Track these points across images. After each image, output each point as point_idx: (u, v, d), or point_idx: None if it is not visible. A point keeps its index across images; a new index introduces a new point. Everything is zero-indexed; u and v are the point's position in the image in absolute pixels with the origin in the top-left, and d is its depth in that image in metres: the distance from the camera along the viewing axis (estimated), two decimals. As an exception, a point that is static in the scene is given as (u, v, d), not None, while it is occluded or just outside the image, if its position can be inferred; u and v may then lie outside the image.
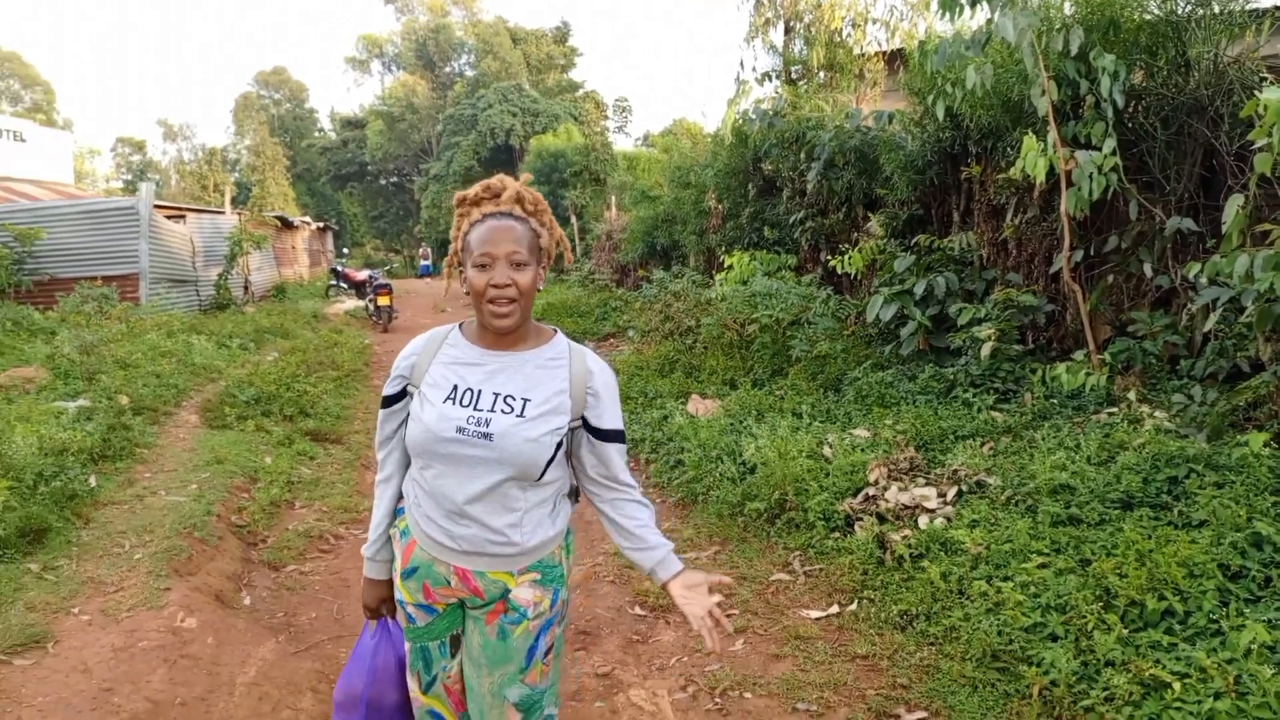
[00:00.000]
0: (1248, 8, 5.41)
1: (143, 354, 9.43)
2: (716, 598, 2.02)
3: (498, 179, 1.99)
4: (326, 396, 8.85)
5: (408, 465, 2.12)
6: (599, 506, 2.13)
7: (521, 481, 1.95)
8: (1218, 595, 3.17)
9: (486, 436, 1.90)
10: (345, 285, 21.78)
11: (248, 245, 17.16)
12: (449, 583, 2.02)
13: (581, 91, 53.26)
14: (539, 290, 1.99)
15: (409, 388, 2.05)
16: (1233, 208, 4.35)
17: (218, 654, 3.66)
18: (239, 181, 48.63)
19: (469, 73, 55.22)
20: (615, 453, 2.07)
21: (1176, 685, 2.79)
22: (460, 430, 1.90)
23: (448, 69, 57.09)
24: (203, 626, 3.84)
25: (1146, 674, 2.88)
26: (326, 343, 12.60)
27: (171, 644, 3.62)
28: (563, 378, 1.99)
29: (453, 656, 2.14)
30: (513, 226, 1.91)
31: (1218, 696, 2.70)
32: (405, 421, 2.06)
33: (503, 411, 1.92)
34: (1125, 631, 3.13)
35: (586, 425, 2.03)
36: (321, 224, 34.25)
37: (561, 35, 55.99)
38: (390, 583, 2.17)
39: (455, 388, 1.96)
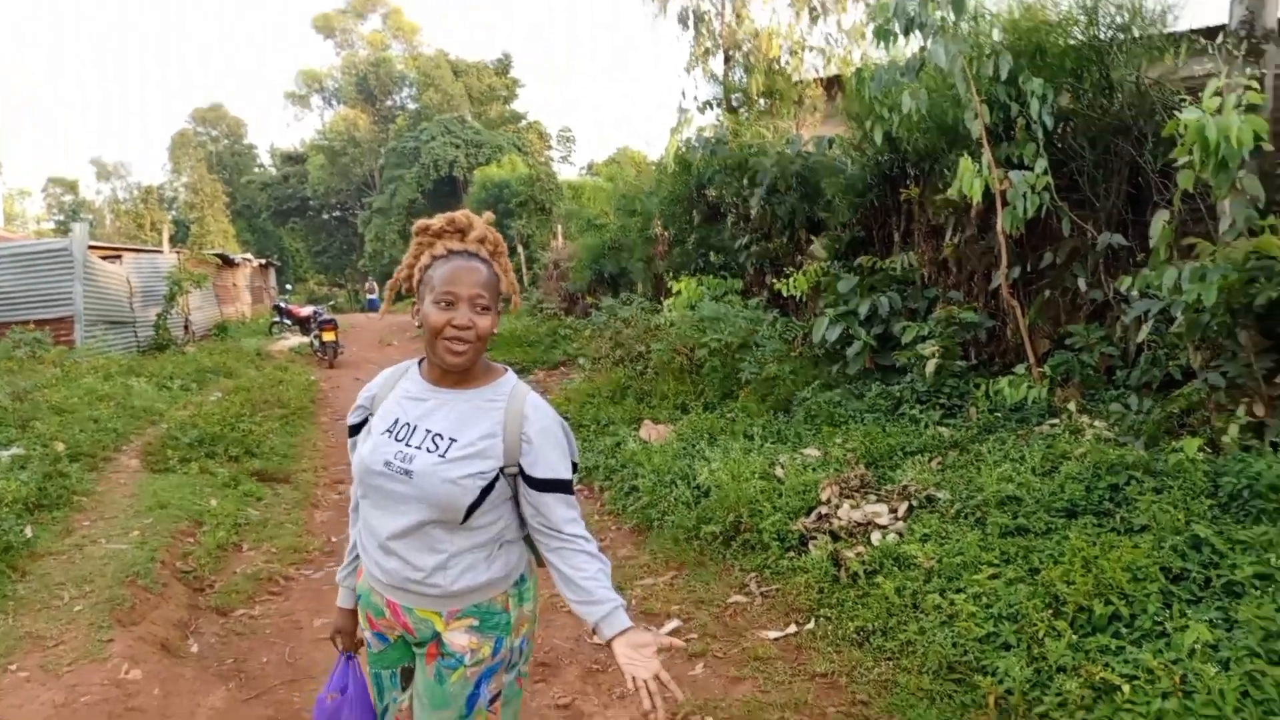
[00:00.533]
0: (1165, 32, 5.65)
1: (79, 398, 9.15)
2: (660, 660, 1.90)
3: (463, 215, 1.97)
4: (273, 435, 8.68)
5: None
6: (545, 555, 2.03)
7: (446, 524, 1.90)
8: (1161, 598, 3.25)
9: (407, 473, 1.89)
10: (289, 322, 21.45)
11: (187, 284, 16.83)
12: (384, 614, 2.03)
13: (524, 122, 53.40)
14: (494, 334, 1.96)
15: (368, 417, 2.07)
16: (1159, 223, 4.52)
17: (165, 705, 3.55)
18: (177, 220, 47.71)
19: (411, 105, 55.10)
20: (554, 502, 1.95)
21: (1126, 687, 2.86)
22: (387, 464, 1.91)
23: (389, 102, 56.92)
24: (148, 677, 3.72)
25: (1097, 678, 2.94)
26: (271, 380, 12.38)
27: (116, 697, 3.50)
28: (496, 420, 1.93)
29: (404, 689, 2.13)
30: (478, 268, 1.90)
31: (1165, 697, 2.77)
32: None
33: (428, 450, 1.90)
34: (1075, 637, 3.20)
35: (521, 473, 1.94)
36: (263, 261, 33.74)
37: (503, 67, 56.19)
38: (352, 613, 2.19)
39: (396, 421, 1.97)
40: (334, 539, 6.00)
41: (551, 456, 1.96)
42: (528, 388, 2.04)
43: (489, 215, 2.08)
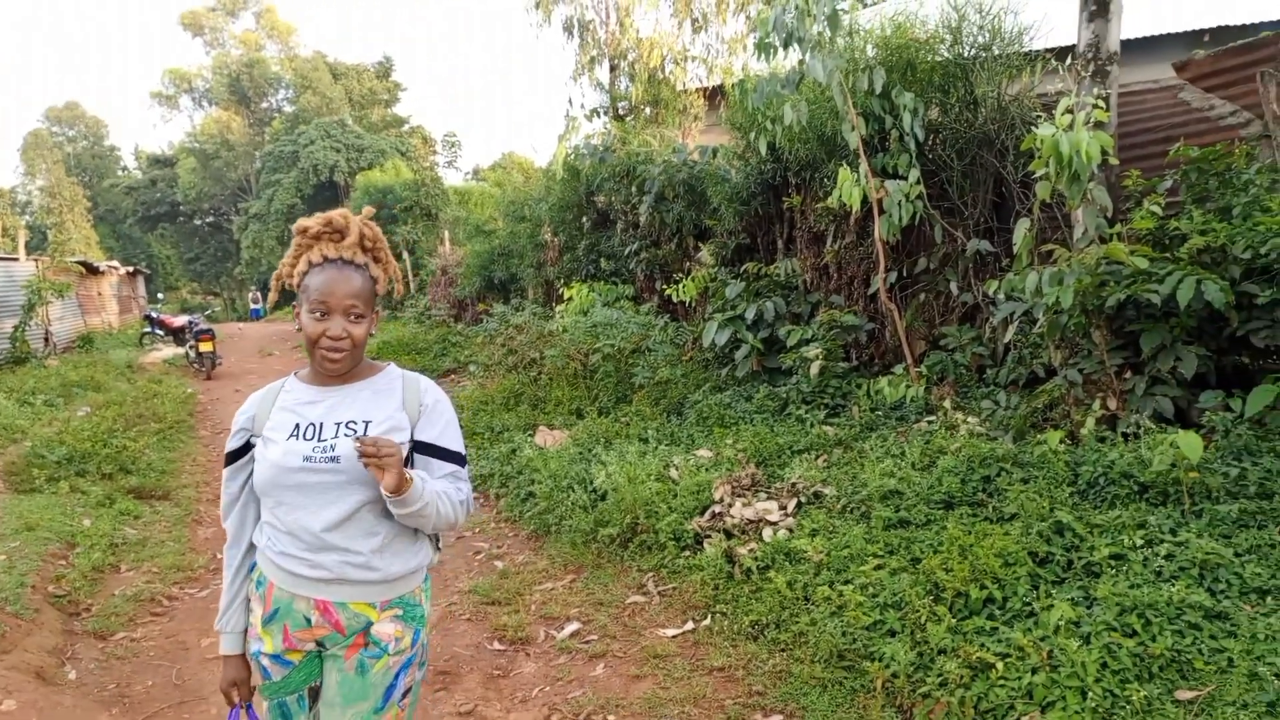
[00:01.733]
0: (1022, 51, 6.03)
1: (-70, 417, 8.57)
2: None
3: (340, 215, 2.00)
4: (149, 451, 8.31)
5: (256, 521, 2.10)
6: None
7: (376, 505, 1.96)
8: (1029, 580, 3.50)
9: (334, 460, 1.93)
10: (162, 332, 20.49)
11: (48, 294, 15.89)
12: (309, 622, 2.00)
13: (408, 127, 52.45)
14: (371, 335, 2.03)
15: (251, 439, 2.05)
16: (1021, 230, 4.84)
17: (44, 735, 3.40)
18: (32, 225, 44.89)
19: (288, 108, 53.29)
20: (442, 469, 2.05)
21: (1000, 665, 3.07)
22: (307, 459, 1.93)
23: (264, 104, 54.95)
24: (24, 708, 3.55)
25: (974, 657, 3.14)
26: (145, 394, 11.81)
27: (-10, 729, 3.34)
28: (396, 398, 2.05)
29: (311, 710, 2.09)
30: (352, 277, 1.95)
31: (1035, 671, 2.99)
32: (250, 478, 2.06)
33: (345, 435, 1.95)
34: (954, 621, 3.41)
35: (419, 446, 2.04)
36: (131, 268, 32.01)
37: (384, 70, 55.03)
38: (244, 661, 2.12)
39: (297, 425, 1.98)
40: (219, 555, 5.80)
41: (448, 428, 2.09)
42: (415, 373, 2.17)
43: (368, 210, 2.13)
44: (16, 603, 4.52)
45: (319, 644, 2.03)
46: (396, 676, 2.02)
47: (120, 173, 58.17)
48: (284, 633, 2.02)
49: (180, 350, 18.19)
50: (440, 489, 1.99)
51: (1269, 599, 3.11)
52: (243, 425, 2.06)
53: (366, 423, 1.98)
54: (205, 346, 15.66)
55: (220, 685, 2.12)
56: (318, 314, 1.92)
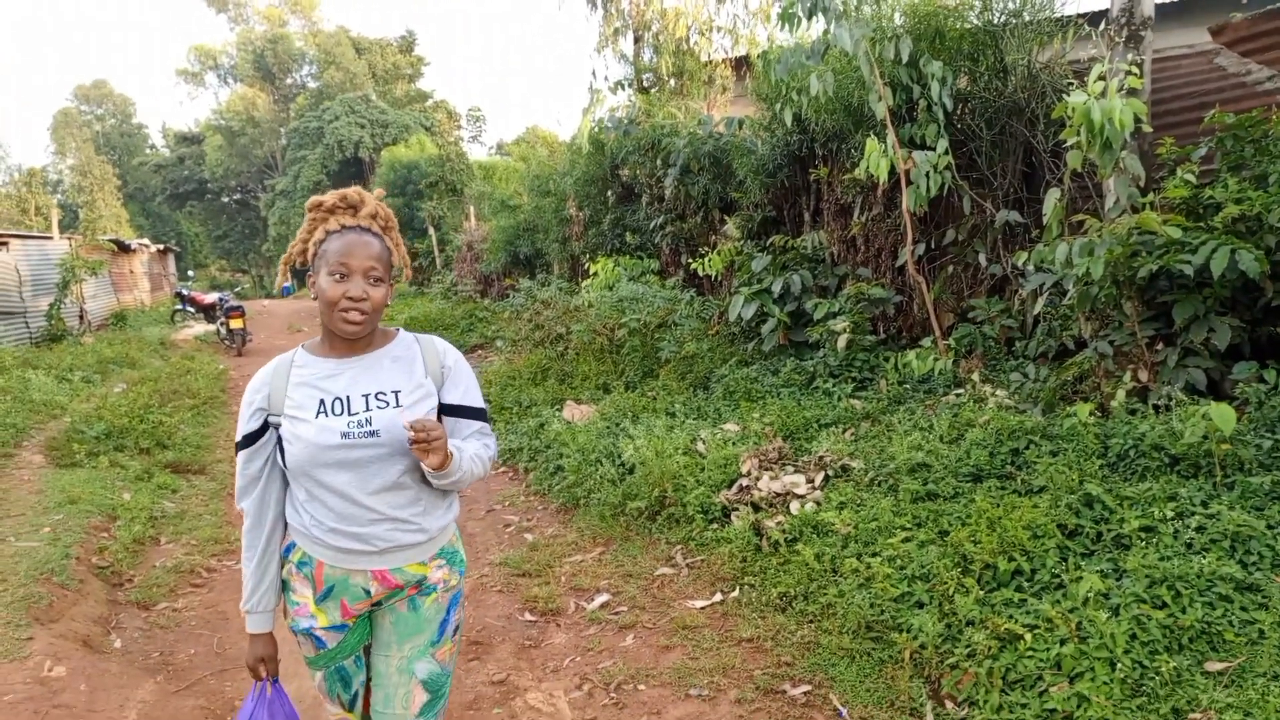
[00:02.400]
0: (1054, 16, 5.93)
1: (-28, 394, 8.77)
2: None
3: (355, 191, 2.03)
4: (184, 426, 8.47)
5: (279, 503, 2.09)
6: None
7: (415, 471, 2.01)
8: (1058, 553, 3.50)
9: (374, 434, 1.95)
10: (193, 310, 20.80)
11: (82, 272, 16.14)
12: (368, 593, 2.06)
13: (431, 101, 52.45)
14: (387, 305, 2.06)
15: (269, 420, 2.03)
16: (1051, 201, 4.79)
17: (92, 700, 3.50)
18: (64, 204, 45.42)
19: (312, 84, 53.46)
20: (468, 428, 2.13)
21: (1028, 636, 3.08)
22: (345, 436, 1.94)
23: (289, 81, 55.12)
24: (73, 674, 3.66)
25: (1002, 629, 3.15)
26: (179, 370, 12.02)
27: (41, 695, 3.44)
28: (418, 363, 2.08)
29: (367, 667, 2.18)
30: (370, 242, 1.97)
31: (1063, 643, 3.00)
32: (270, 459, 2.05)
33: (379, 408, 1.97)
34: (981, 593, 3.42)
35: (447, 409, 2.10)
36: (161, 246, 32.42)
37: (407, 45, 54.96)
38: (272, 639, 2.11)
39: (322, 401, 1.97)
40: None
41: (470, 386, 2.15)
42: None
43: (380, 191, 2.18)
44: (62, 574, 4.64)
45: (375, 605, 2.11)
46: (448, 611, 2.15)
47: (148, 151, 58.69)
48: (342, 607, 2.06)
49: (211, 327, 18.44)
50: (472, 452, 2.04)
51: (1301, 571, 3.10)
52: (258, 405, 2.03)
53: (396, 392, 2.00)
54: (236, 323, 15.87)
55: (247, 661, 2.12)
56: (337, 275, 1.93)
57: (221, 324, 16.52)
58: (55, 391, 9.70)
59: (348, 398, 1.98)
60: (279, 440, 2.01)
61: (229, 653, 4.15)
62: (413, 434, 1.83)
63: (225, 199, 55.89)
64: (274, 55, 53.68)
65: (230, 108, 53.89)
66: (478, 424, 2.13)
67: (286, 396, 2.00)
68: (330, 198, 2.02)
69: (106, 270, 19.75)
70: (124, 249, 24.52)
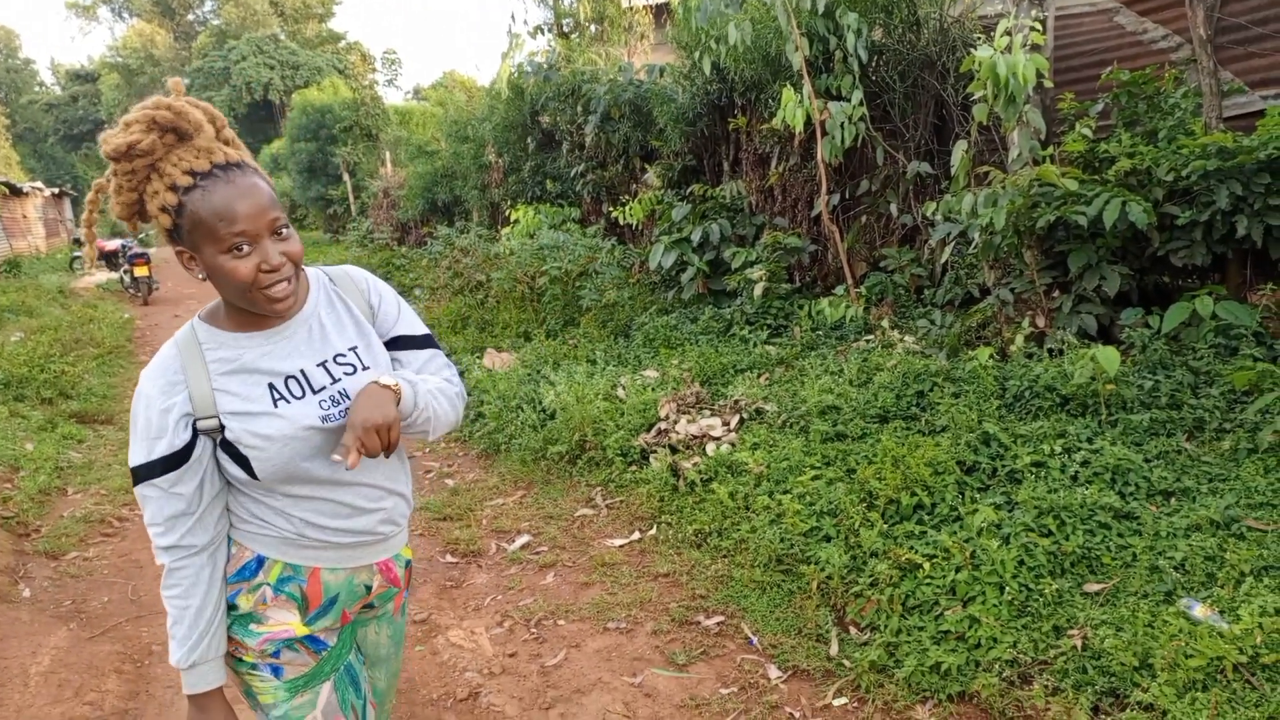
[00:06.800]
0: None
1: None
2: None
3: (164, 107, 1.41)
4: (89, 376, 8.22)
5: (222, 522, 1.61)
6: None
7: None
8: (956, 488, 3.70)
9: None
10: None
11: (-30, 216, 15.33)
12: (369, 588, 1.76)
13: (344, 43, 50.65)
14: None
15: (199, 425, 1.51)
16: (958, 153, 4.96)
17: (2, 649, 3.46)
18: (-54, 144, 42.80)
19: (215, 21, 51.04)
20: (428, 358, 1.78)
21: (926, 565, 3.27)
22: (325, 419, 1.56)
23: (190, 17, 52.53)
24: (-20, 625, 3.60)
25: (903, 559, 3.34)
26: (81, 319, 11.58)
27: (-53, 646, 3.39)
28: (342, 307, 1.69)
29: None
30: (255, 185, 1.45)
31: (958, 570, 3.20)
32: (207, 476, 1.54)
33: (347, 374, 1.61)
34: (885, 526, 3.60)
35: (389, 343, 1.73)
36: (56, 190, 30.88)
37: (318, -19, 52.83)
38: (226, 703, 1.60)
39: (272, 386, 1.55)
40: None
41: (402, 311, 1.78)
42: (330, 266, 1.80)
43: (176, 83, 1.55)
44: (-38, 526, 4.52)
45: (367, 606, 1.81)
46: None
47: (37, 89, 55.47)
48: (342, 615, 1.73)
49: (114, 275, 17.73)
50: (432, 387, 1.66)
51: (1172, 500, 3.35)
52: (182, 411, 1.50)
53: (353, 349, 1.65)
54: (141, 271, 15.32)
55: None
56: (241, 248, 1.43)
57: (125, 271, 15.90)
58: (-54, 341, 9.27)
59: (302, 372, 1.58)
60: (222, 449, 1.54)
61: (144, 599, 4.11)
62: (358, 454, 1.44)
63: (125, 141, 53.24)
64: (174, -11, 51.08)
65: (127, 44, 51.18)
66: (427, 352, 1.76)
67: (216, 391, 1.52)
68: (146, 138, 1.40)
69: (-3, 215, 18.77)
70: (16, 192, 23.30)
